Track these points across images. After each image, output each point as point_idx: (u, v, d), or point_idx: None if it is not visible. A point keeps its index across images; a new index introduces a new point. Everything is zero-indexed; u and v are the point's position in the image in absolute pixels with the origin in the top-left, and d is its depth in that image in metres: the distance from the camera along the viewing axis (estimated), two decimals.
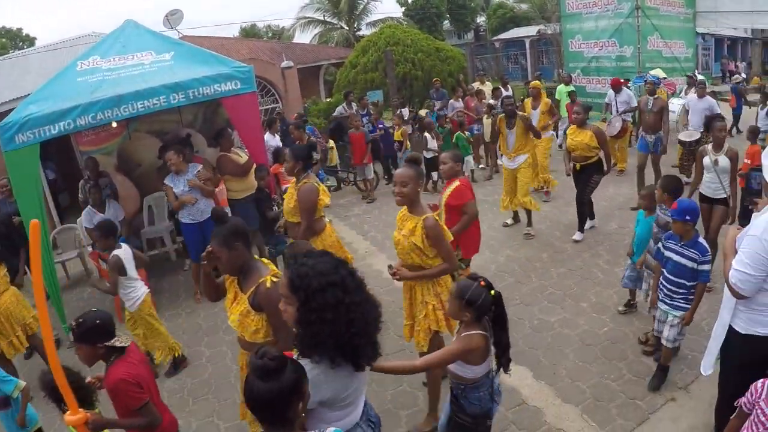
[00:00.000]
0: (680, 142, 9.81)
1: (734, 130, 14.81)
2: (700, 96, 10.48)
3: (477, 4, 44.71)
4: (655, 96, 9.65)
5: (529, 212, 8.48)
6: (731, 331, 3.35)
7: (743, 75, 23.25)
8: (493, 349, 3.19)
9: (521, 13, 40.99)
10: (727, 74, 32.33)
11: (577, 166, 7.85)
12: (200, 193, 7.13)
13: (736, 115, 15.38)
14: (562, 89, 14.34)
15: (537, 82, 11.29)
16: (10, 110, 7.17)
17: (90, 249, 8.04)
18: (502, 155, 8.66)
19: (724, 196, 6.22)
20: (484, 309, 3.05)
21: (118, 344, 3.29)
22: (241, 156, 7.91)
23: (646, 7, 15.58)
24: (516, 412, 4.55)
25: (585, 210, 8.09)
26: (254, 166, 7.70)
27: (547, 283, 6.86)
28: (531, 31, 34.87)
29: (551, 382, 4.88)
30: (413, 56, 16.95)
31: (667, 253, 4.47)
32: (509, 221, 9.06)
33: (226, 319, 3.57)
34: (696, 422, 4.20)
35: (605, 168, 7.91)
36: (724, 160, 6.13)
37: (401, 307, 4.63)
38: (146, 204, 8.92)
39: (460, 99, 13.80)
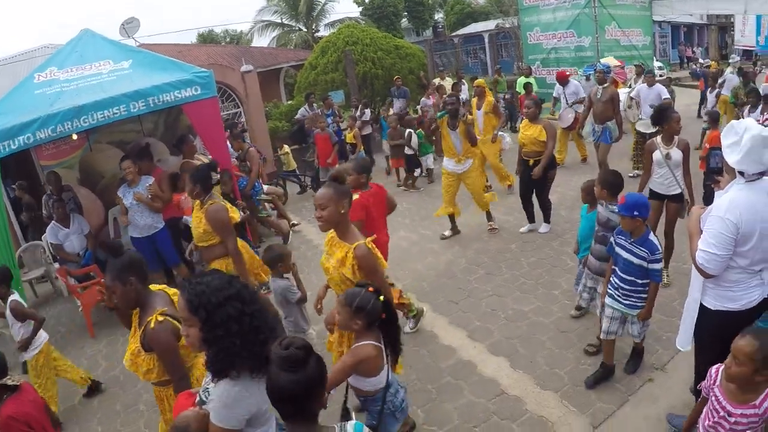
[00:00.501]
0: (638, 132, 9.86)
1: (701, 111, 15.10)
2: (650, 84, 10.30)
3: (434, 1, 44.95)
4: (605, 85, 9.57)
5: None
6: (701, 307, 3.42)
7: (702, 60, 23.73)
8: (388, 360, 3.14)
9: (479, 8, 41.48)
10: (685, 60, 33.06)
11: (530, 161, 7.74)
12: (147, 208, 7.00)
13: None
14: (522, 81, 14.49)
15: (481, 80, 11.16)
16: None
17: (57, 266, 7.87)
18: (444, 158, 8.04)
19: (679, 191, 5.86)
20: (375, 315, 3.00)
21: (9, 383, 3.38)
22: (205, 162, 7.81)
23: None
24: (496, 402, 4.58)
25: (547, 203, 7.97)
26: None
27: (519, 273, 6.90)
28: (489, 25, 35.11)
29: (529, 371, 4.92)
30: (373, 55, 16.89)
31: (617, 249, 4.28)
32: (447, 233, 8.46)
33: None
34: (674, 401, 4.26)
35: (552, 165, 7.69)
36: (676, 153, 5.75)
37: None
38: (111, 216, 8.72)
39: (430, 96, 13.84)
